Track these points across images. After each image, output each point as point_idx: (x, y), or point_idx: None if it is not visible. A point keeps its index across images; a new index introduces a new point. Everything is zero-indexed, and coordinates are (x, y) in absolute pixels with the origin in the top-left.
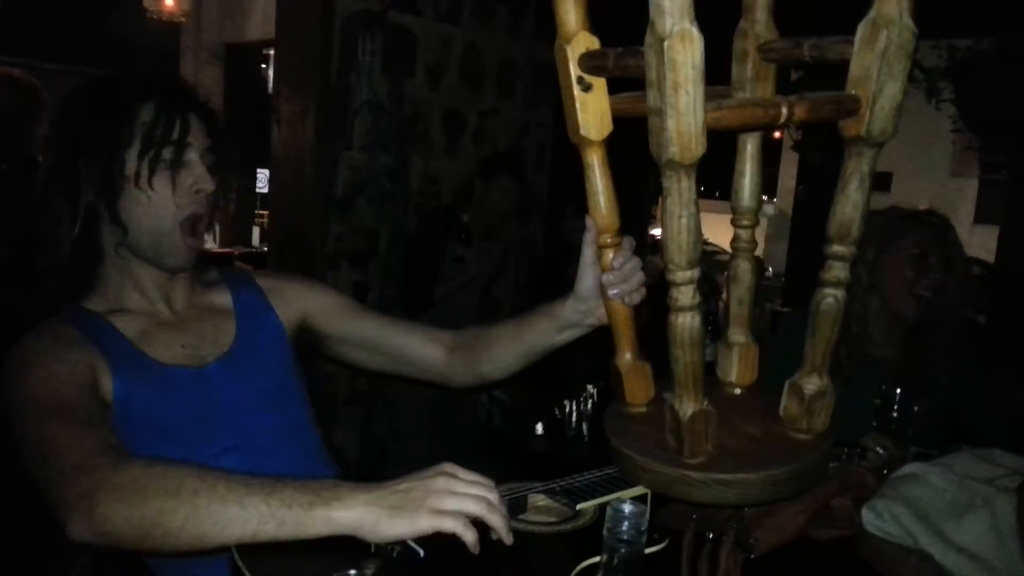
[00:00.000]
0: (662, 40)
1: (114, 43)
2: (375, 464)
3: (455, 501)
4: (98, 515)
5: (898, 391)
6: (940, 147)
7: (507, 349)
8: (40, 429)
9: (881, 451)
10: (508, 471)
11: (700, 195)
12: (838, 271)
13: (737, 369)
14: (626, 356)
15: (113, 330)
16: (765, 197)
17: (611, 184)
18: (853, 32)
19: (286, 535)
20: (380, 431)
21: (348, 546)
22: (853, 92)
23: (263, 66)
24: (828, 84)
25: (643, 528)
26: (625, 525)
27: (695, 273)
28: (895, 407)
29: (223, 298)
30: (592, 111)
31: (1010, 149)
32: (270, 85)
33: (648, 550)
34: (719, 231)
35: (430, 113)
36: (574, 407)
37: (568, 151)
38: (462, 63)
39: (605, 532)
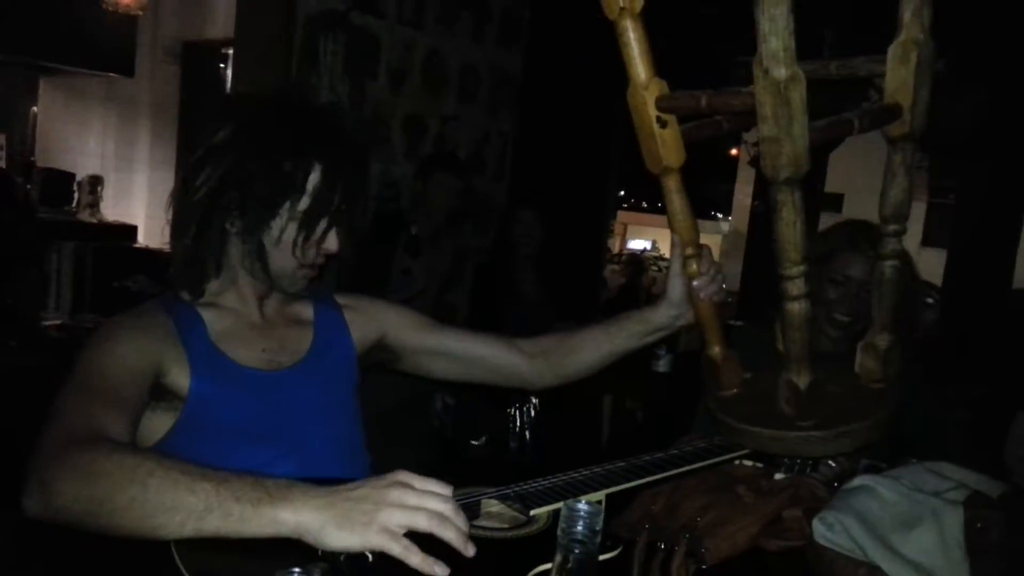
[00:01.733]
0: (778, 83)
1: (67, 34)
2: None
3: (406, 516)
4: (50, 491)
5: None
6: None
7: (594, 353)
8: (63, 398)
9: (832, 464)
10: (459, 478)
11: (658, 210)
12: (895, 245)
13: None
14: (716, 348)
15: (201, 325)
16: (720, 215)
17: (688, 203)
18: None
19: (230, 530)
20: None
21: (293, 549)
22: (897, 100)
23: (221, 66)
24: None
25: (598, 528)
26: (580, 525)
27: (805, 267)
28: None
29: (307, 310)
30: (670, 144)
31: (957, 172)
32: (228, 85)
33: (601, 556)
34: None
35: (391, 117)
36: (518, 416)
37: (528, 159)
38: (424, 67)
39: (559, 532)
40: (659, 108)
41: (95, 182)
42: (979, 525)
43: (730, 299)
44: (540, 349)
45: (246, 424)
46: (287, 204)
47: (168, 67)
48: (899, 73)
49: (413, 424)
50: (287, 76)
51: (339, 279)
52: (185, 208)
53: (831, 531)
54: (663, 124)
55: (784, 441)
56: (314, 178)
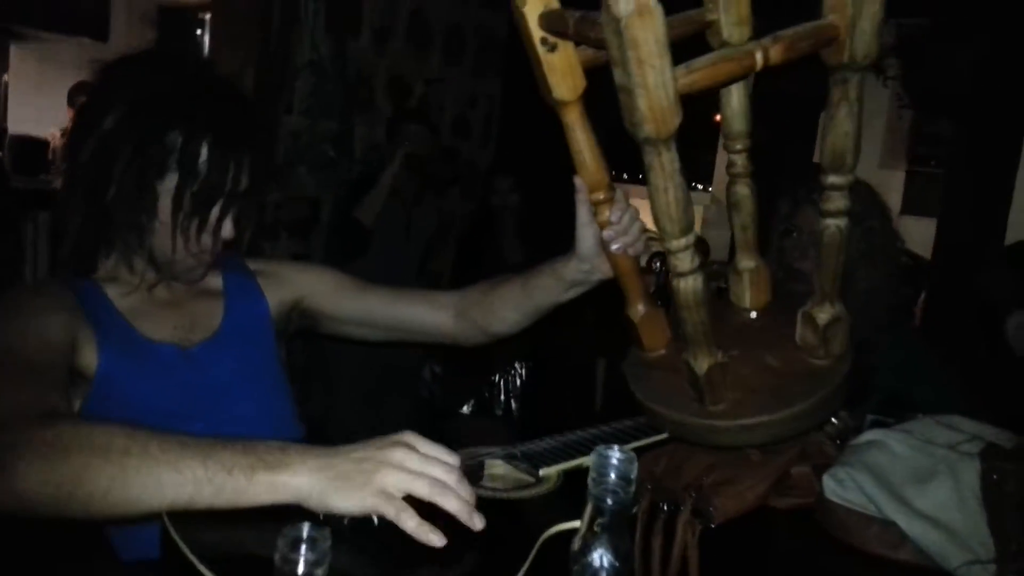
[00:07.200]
0: (618, 20)
1: None
2: (313, 442)
3: (406, 480)
4: (12, 474)
5: None
6: (869, 139)
7: (516, 309)
8: None
9: (836, 421)
10: (453, 442)
11: (636, 180)
12: (837, 201)
13: (750, 293)
14: (638, 306)
15: (107, 301)
16: (700, 186)
17: (593, 140)
18: None
19: (225, 502)
20: (317, 409)
21: (294, 514)
22: (830, 19)
23: (199, 31)
24: None
25: (632, 477)
26: (612, 474)
27: (690, 239)
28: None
29: (215, 280)
30: (561, 71)
31: (946, 137)
32: (206, 51)
33: None
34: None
35: (375, 77)
36: (503, 385)
37: (514, 124)
38: (409, 26)
39: (590, 482)
40: (543, 27)
41: None
42: (995, 476)
43: (715, 266)
44: (467, 304)
45: (157, 405)
46: (169, 181)
47: (144, 32)
48: None
49: (400, 393)
50: (267, 34)
51: (324, 243)
52: (69, 180)
53: (842, 487)
54: (550, 47)
55: (685, 427)
56: (202, 155)
